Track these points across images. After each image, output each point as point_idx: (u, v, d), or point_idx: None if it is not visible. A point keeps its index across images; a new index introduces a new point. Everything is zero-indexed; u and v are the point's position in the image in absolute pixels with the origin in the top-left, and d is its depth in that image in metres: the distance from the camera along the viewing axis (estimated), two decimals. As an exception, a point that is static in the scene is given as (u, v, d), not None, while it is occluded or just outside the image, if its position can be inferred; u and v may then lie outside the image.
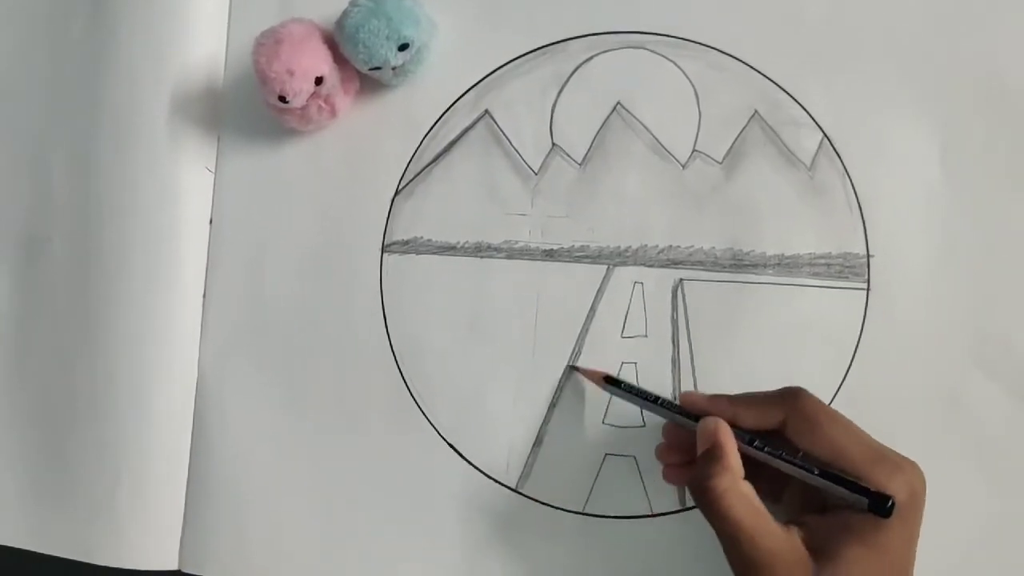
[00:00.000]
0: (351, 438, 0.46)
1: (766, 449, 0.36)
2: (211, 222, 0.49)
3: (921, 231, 0.44)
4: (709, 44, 0.46)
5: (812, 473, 0.35)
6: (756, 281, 0.44)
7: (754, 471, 0.36)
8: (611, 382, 0.43)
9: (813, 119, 0.45)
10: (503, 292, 0.46)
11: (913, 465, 0.35)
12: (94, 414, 0.48)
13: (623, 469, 0.44)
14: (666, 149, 0.46)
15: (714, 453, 0.36)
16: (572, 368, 0.45)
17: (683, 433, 0.40)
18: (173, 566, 0.47)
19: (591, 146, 0.46)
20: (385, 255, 0.47)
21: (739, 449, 0.37)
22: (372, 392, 0.46)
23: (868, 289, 0.44)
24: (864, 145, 0.44)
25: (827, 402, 0.43)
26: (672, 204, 0.45)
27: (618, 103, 0.46)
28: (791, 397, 0.36)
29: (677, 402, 0.41)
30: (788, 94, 0.45)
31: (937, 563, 0.41)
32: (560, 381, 0.45)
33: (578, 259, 0.46)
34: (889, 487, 0.33)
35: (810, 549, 0.34)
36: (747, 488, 0.35)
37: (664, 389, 0.44)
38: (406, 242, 0.47)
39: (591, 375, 0.44)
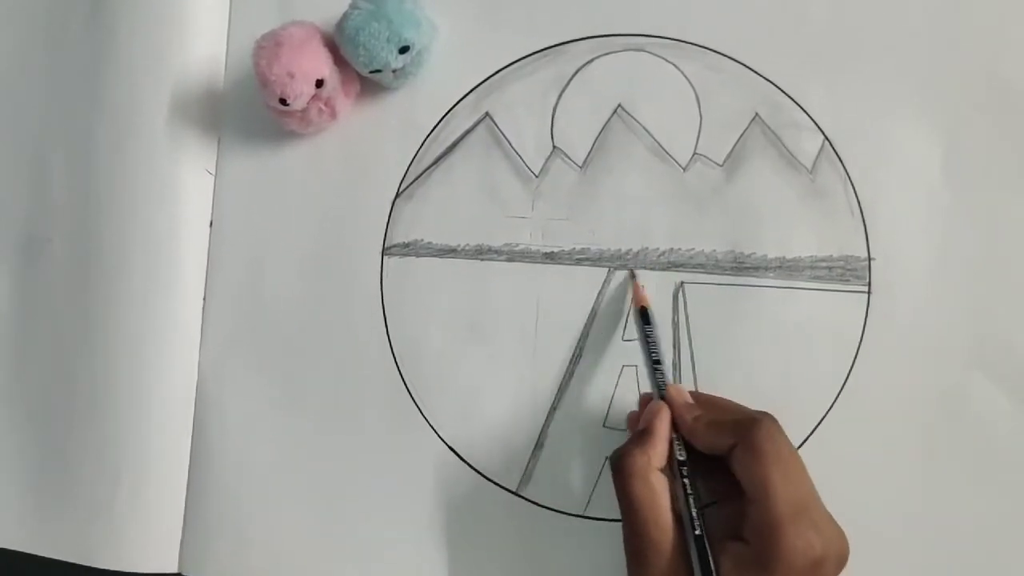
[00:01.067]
0: (351, 440, 0.46)
1: (684, 477, 0.36)
2: (211, 224, 0.49)
3: (922, 234, 0.44)
4: (710, 47, 0.46)
5: (692, 527, 0.35)
6: (757, 284, 0.44)
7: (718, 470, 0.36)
8: (644, 318, 0.42)
9: (814, 122, 0.45)
10: (504, 295, 0.46)
11: (836, 534, 0.34)
12: (94, 416, 0.48)
13: (624, 472, 0.44)
14: (667, 152, 0.46)
15: (644, 435, 0.37)
16: (632, 273, 0.44)
17: None
18: (173, 569, 0.47)
19: (592, 148, 0.46)
20: (385, 257, 0.47)
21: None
22: (372, 395, 0.46)
23: (869, 292, 0.44)
24: (865, 148, 0.44)
25: (829, 405, 0.43)
26: (673, 207, 0.45)
27: (619, 105, 0.46)
28: (748, 424, 0.35)
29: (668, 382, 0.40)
30: (789, 97, 0.45)
31: (937, 564, 0.42)
32: (561, 382, 0.45)
33: (579, 262, 0.46)
34: (795, 543, 0.32)
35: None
36: (657, 479, 0.36)
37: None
38: (406, 244, 0.47)
39: (637, 296, 0.43)
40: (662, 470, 0.36)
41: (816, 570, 0.33)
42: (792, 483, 0.34)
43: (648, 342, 0.41)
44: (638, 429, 0.38)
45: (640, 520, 0.35)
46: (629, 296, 0.45)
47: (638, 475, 0.35)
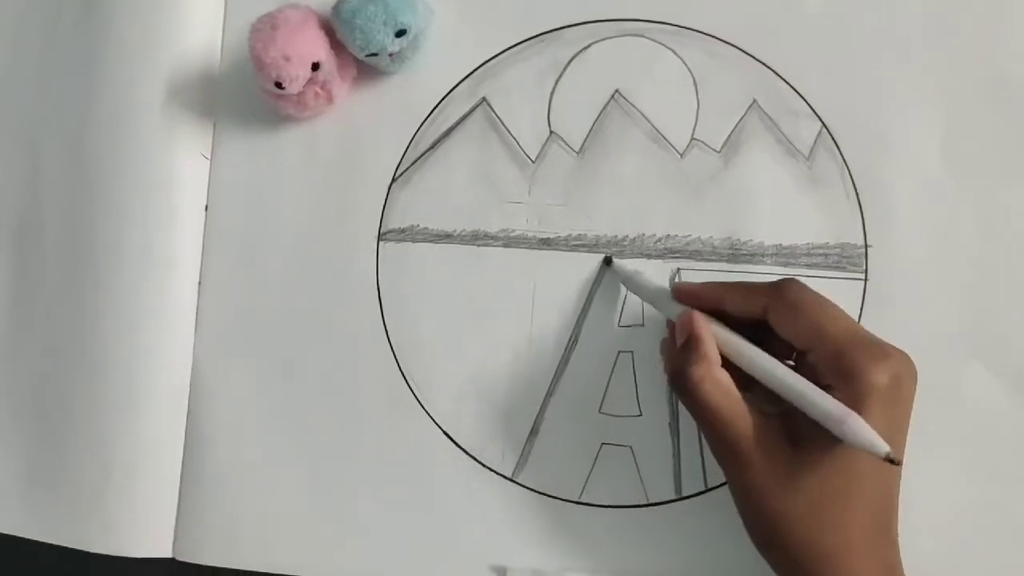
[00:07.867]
0: (346, 426, 0.46)
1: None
2: (206, 209, 0.49)
3: (920, 221, 0.44)
4: (708, 32, 0.46)
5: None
6: (754, 271, 0.44)
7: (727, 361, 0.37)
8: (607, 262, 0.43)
9: (812, 109, 0.45)
10: (500, 280, 0.46)
11: (901, 355, 0.34)
12: (88, 402, 0.47)
13: (619, 458, 0.44)
14: (664, 137, 0.45)
15: (691, 344, 0.37)
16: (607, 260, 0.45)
17: None
18: (167, 554, 0.47)
19: (589, 134, 0.46)
20: (381, 243, 0.47)
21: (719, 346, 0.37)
22: (368, 381, 0.46)
23: (866, 280, 0.44)
24: (863, 135, 0.44)
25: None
26: (670, 193, 0.45)
27: (616, 91, 0.46)
28: (778, 285, 0.37)
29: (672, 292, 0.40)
30: (787, 83, 0.45)
31: (934, 553, 0.42)
32: (557, 368, 0.45)
33: (575, 248, 0.45)
34: (868, 370, 0.33)
35: (790, 437, 0.35)
36: (723, 375, 0.36)
37: (659, 377, 0.44)
38: (402, 230, 0.47)
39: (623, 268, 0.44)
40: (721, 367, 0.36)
41: (899, 389, 0.33)
42: (840, 320, 0.35)
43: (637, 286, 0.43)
44: (679, 343, 0.38)
45: (724, 419, 0.35)
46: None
47: (707, 378, 0.36)
